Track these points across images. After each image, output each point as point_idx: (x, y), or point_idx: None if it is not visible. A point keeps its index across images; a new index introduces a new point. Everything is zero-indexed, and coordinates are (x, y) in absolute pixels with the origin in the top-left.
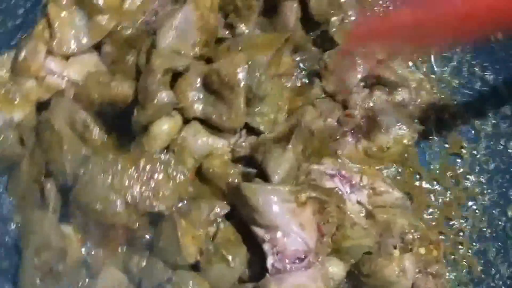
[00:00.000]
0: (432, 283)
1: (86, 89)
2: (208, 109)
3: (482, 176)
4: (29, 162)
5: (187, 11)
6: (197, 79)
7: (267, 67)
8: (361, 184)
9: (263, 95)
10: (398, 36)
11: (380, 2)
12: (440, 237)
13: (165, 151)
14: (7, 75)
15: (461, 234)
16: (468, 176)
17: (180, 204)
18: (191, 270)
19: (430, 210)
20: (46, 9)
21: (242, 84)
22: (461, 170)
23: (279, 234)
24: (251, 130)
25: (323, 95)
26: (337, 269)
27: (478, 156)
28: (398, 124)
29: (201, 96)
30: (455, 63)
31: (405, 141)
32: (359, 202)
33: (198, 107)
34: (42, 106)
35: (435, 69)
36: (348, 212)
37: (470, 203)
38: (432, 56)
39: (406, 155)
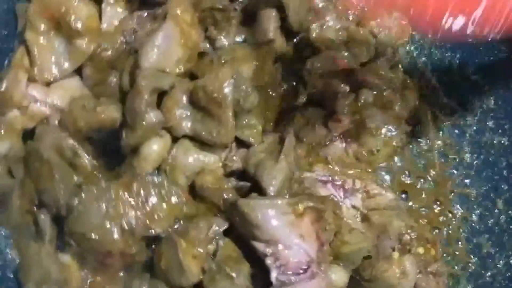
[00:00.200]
0: (433, 282)
1: (71, 115)
2: (197, 126)
3: (470, 171)
4: (20, 193)
5: (167, 29)
6: (183, 96)
7: (251, 79)
8: (354, 188)
9: (250, 107)
10: None
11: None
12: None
13: (156, 171)
14: None
15: (455, 230)
16: (456, 172)
17: (177, 225)
18: None
19: (423, 208)
20: (23, 36)
21: (229, 98)
22: (449, 166)
23: (280, 247)
24: (241, 143)
25: (309, 102)
26: (339, 276)
27: (465, 152)
28: (386, 126)
29: (189, 113)
30: (435, 59)
31: (394, 142)
32: (354, 207)
33: (186, 125)
34: (28, 135)
35: (418, 66)
36: (345, 218)
37: (461, 199)
38: (414, 54)
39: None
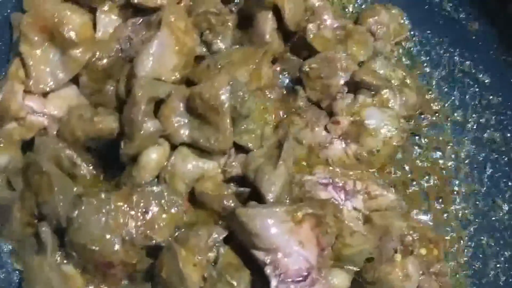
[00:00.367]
0: (436, 283)
1: (69, 126)
2: (195, 133)
3: (473, 168)
4: (20, 206)
5: (162, 37)
6: (180, 104)
7: (248, 82)
8: (355, 190)
9: (247, 112)
10: None
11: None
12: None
13: (156, 180)
14: None
15: (457, 228)
16: (458, 169)
17: (177, 233)
18: None
19: (424, 207)
20: (18, 48)
21: (226, 105)
22: (450, 163)
23: (279, 255)
24: (240, 148)
25: (308, 104)
26: (341, 280)
27: (466, 149)
28: (386, 125)
29: (186, 121)
30: (434, 55)
31: (394, 142)
32: (355, 208)
33: (184, 132)
34: (26, 146)
35: (416, 63)
36: (346, 221)
37: (463, 197)
38: (413, 51)
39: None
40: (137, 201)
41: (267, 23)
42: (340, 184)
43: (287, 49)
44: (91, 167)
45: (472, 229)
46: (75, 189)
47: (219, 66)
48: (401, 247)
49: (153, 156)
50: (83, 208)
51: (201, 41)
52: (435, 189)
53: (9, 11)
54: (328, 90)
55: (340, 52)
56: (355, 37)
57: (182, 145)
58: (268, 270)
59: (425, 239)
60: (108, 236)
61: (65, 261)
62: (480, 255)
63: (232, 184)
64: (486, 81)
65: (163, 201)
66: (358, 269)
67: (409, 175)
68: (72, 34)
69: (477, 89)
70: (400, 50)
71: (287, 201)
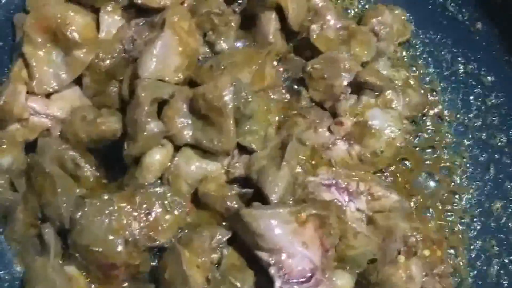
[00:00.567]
0: (439, 284)
1: (72, 127)
2: (198, 134)
3: (476, 169)
4: (23, 207)
5: (165, 38)
6: (183, 105)
7: (251, 83)
8: (358, 191)
9: (251, 113)
10: None
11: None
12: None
13: (159, 181)
14: None
15: (460, 229)
16: (461, 170)
17: (180, 234)
18: None
19: (428, 208)
20: (20, 49)
21: (229, 106)
22: (453, 164)
23: (283, 256)
24: (243, 149)
25: (311, 104)
26: (344, 281)
27: (469, 149)
28: (389, 126)
29: (190, 122)
30: (437, 55)
31: (397, 143)
32: (358, 209)
33: (187, 133)
34: (29, 147)
35: (419, 64)
36: (349, 222)
37: (466, 198)
38: (416, 52)
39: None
40: (140, 202)
41: (270, 23)
42: (343, 185)
43: (290, 49)
44: (94, 169)
45: (475, 230)
46: (78, 190)
47: (222, 67)
48: (405, 248)
49: (157, 157)
50: (86, 209)
51: (204, 42)
52: (438, 190)
53: (12, 11)
54: (332, 91)
55: (344, 52)
56: (358, 37)
57: (185, 146)
58: (272, 270)
59: (428, 240)
60: (111, 238)
61: (68, 263)
62: (483, 257)
63: (235, 185)
64: (489, 81)
65: (166, 202)
66: (362, 271)
67: (412, 176)
68: (75, 35)
69: (480, 90)
70: (404, 51)
71: (291, 202)
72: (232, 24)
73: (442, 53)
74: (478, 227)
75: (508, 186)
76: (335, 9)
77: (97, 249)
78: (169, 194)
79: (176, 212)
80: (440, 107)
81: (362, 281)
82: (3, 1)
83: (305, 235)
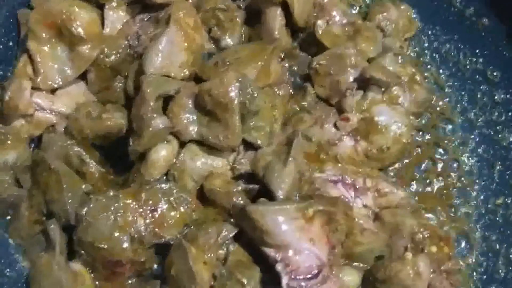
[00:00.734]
0: (447, 281)
1: (77, 123)
2: (203, 130)
3: (482, 166)
4: (28, 203)
5: (170, 33)
6: (189, 101)
7: (257, 79)
8: (365, 187)
9: (256, 109)
10: None
11: None
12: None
13: (165, 177)
14: None
15: (467, 226)
16: (467, 167)
17: (186, 231)
18: None
19: (434, 206)
20: (25, 45)
21: (235, 102)
22: (460, 160)
23: (290, 252)
24: (248, 145)
25: (317, 100)
26: (351, 277)
27: (476, 146)
28: (396, 123)
29: (195, 118)
30: (443, 52)
31: (404, 139)
32: (365, 206)
33: (193, 129)
34: (34, 143)
35: (425, 60)
36: (356, 219)
37: (472, 194)
38: (420, 47)
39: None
40: (146, 199)
41: (275, 19)
42: (350, 182)
43: (295, 45)
44: (99, 165)
45: (481, 226)
46: (83, 186)
47: (228, 63)
48: (412, 245)
49: (162, 153)
50: (91, 206)
51: (209, 38)
52: (444, 186)
53: (16, 7)
54: (338, 87)
55: (350, 48)
56: (364, 33)
57: (191, 142)
58: (279, 267)
59: (436, 236)
60: (116, 234)
61: (73, 259)
62: (490, 253)
63: (241, 181)
64: (495, 77)
65: (172, 198)
66: (369, 267)
67: (418, 173)
68: (80, 31)
69: (486, 86)
70: (410, 47)
71: (297, 198)
72: (237, 20)
73: (448, 49)
74: (485, 223)
75: None
76: (340, 5)
77: (102, 245)
78: (175, 191)
79: (182, 209)
80: (446, 103)
81: (369, 278)
82: None
83: (312, 231)
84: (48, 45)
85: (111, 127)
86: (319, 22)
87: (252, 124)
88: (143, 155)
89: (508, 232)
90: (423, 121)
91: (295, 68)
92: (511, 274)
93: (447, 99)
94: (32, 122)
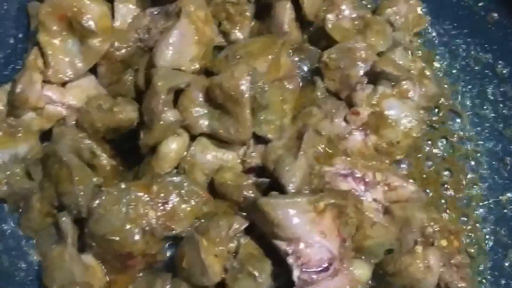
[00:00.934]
0: (457, 274)
1: (88, 116)
2: (214, 124)
3: (491, 160)
4: (40, 196)
5: (181, 27)
6: (199, 94)
7: (267, 73)
8: (375, 181)
9: (267, 103)
10: None
11: None
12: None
13: (175, 170)
14: (6, 109)
15: (476, 220)
16: (476, 161)
17: (197, 224)
18: None
19: (443, 200)
20: (36, 37)
21: (246, 95)
22: (469, 155)
23: (301, 245)
24: (258, 138)
25: (327, 94)
26: (362, 271)
27: (485, 141)
28: (406, 116)
29: (206, 111)
30: (452, 46)
31: (414, 133)
32: (375, 200)
33: (203, 123)
34: (45, 136)
35: (435, 54)
36: (366, 212)
37: (481, 189)
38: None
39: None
40: (157, 192)
41: (285, 12)
42: (360, 175)
43: (305, 39)
44: (110, 158)
45: (491, 221)
46: (95, 179)
47: (238, 57)
48: (422, 239)
49: (173, 146)
50: (103, 198)
51: (218, 31)
52: (453, 181)
53: (26, 0)
54: (348, 81)
55: (359, 42)
56: (374, 27)
57: (201, 136)
58: (290, 260)
59: (446, 230)
60: (128, 227)
61: (84, 252)
62: (499, 247)
63: (251, 174)
64: (504, 72)
65: (183, 191)
66: (379, 261)
67: (427, 167)
68: (91, 24)
69: (495, 81)
70: (419, 41)
71: (307, 191)
72: (247, 13)
73: (458, 43)
74: (494, 218)
75: None
76: None
77: (114, 238)
78: (186, 184)
79: (193, 202)
80: (455, 98)
81: (379, 271)
82: None
83: (323, 224)
84: (59, 38)
85: (122, 120)
86: (329, 16)
87: (262, 117)
88: (153, 148)
89: None
90: (433, 116)
91: (305, 62)
92: None
93: (456, 94)
94: (43, 115)
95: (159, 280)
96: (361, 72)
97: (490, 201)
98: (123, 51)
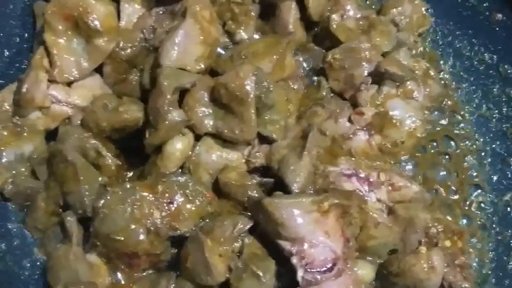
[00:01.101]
0: (460, 275)
1: (93, 116)
2: (219, 123)
3: (495, 161)
4: (45, 195)
5: (187, 26)
6: (204, 94)
7: (272, 73)
8: (379, 181)
9: (272, 103)
10: None
11: None
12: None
13: (180, 170)
14: (11, 109)
15: (480, 221)
16: (480, 162)
17: (202, 223)
18: None
19: (447, 201)
20: (42, 37)
21: (251, 95)
22: (473, 155)
23: (305, 245)
24: (263, 138)
25: (331, 94)
26: (366, 271)
27: (489, 141)
28: (410, 117)
29: (211, 111)
30: (457, 46)
31: (418, 133)
32: (379, 200)
33: (208, 123)
34: (50, 136)
35: (439, 54)
36: (370, 212)
37: (485, 189)
38: (434, 41)
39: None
40: (162, 192)
41: (290, 12)
42: (364, 175)
43: (310, 39)
44: (115, 157)
45: (495, 222)
46: (100, 179)
47: (243, 57)
48: (426, 239)
49: (178, 146)
50: (108, 198)
51: (223, 32)
52: (457, 181)
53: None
54: (352, 81)
55: (364, 42)
56: (378, 27)
57: (206, 135)
58: (294, 260)
59: (450, 231)
60: (133, 226)
61: (89, 251)
62: (503, 248)
63: (255, 174)
64: (509, 72)
65: (188, 191)
66: (383, 261)
67: (431, 167)
68: (97, 23)
69: (500, 81)
70: (423, 41)
71: (311, 191)
72: (252, 13)
73: (462, 44)
74: (498, 218)
75: None
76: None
77: (119, 237)
78: (190, 183)
79: (197, 202)
80: (459, 98)
81: (383, 272)
82: None
83: (327, 224)
84: (64, 38)
85: (127, 120)
86: (334, 16)
87: (267, 117)
88: (159, 148)
89: None
90: (437, 116)
91: (310, 62)
92: None
93: (461, 94)
94: (48, 115)
95: (163, 279)
96: (366, 72)
97: (494, 202)
98: (129, 50)
